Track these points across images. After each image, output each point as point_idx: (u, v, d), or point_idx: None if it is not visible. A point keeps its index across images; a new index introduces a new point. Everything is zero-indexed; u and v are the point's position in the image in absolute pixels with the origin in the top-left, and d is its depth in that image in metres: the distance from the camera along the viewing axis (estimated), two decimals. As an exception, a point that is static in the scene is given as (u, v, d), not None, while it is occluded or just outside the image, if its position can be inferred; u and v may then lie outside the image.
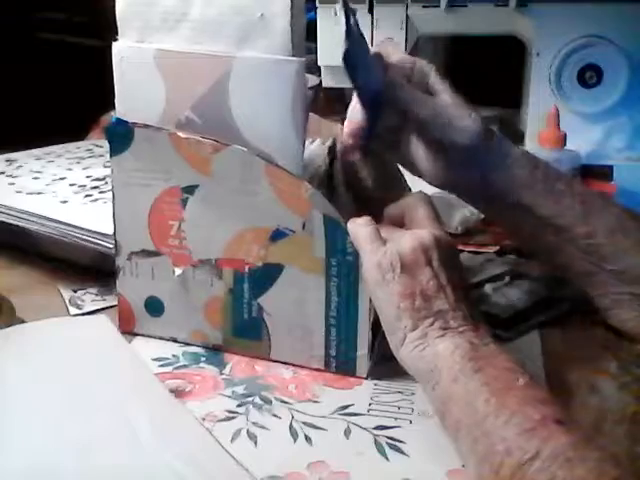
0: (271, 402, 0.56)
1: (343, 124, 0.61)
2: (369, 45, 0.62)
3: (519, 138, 1.03)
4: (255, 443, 0.52)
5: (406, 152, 0.62)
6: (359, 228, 0.55)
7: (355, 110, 0.59)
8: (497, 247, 0.82)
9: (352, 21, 0.55)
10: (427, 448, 0.49)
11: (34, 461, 0.48)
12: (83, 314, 0.70)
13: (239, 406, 0.56)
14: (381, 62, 0.60)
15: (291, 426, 0.53)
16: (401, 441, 0.52)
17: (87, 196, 0.80)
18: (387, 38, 0.96)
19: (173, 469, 0.47)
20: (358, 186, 0.66)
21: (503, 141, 0.61)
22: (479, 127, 0.59)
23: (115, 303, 0.67)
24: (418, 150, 0.61)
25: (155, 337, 0.65)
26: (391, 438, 0.52)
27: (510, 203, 0.61)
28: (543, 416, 0.43)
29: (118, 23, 0.60)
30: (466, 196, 0.65)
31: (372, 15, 0.96)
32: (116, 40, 0.61)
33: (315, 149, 0.68)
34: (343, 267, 0.57)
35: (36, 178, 0.87)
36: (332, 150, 0.66)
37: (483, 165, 0.60)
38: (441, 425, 0.48)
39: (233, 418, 0.54)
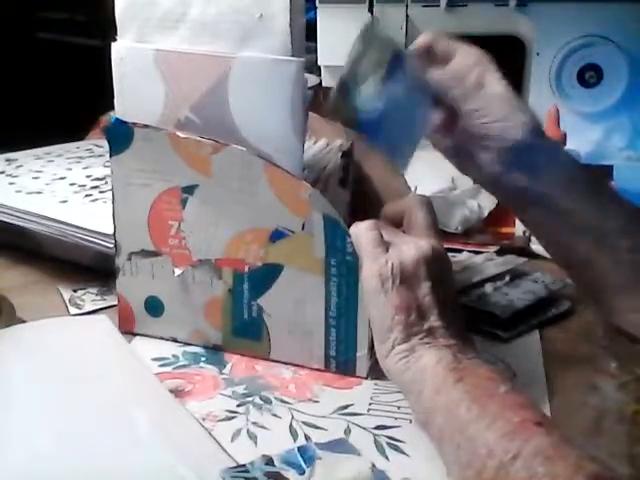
0: (271, 402, 0.56)
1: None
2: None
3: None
4: (255, 443, 0.52)
5: (451, 147, 0.61)
6: (362, 232, 0.54)
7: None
8: (497, 247, 0.82)
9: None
10: (427, 448, 0.49)
11: (34, 461, 0.48)
12: (83, 314, 0.70)
13: (239, 406, 0.56)
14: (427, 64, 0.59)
15: (291, 426, 0.53)
16: (401, 441, 0.52)
17: (87, 196, 0.80)
18: (387, 38, 0.96)
19: (173, 469, 0.47)
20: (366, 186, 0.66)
21: (550, 141, 0.59)
22: (530, 123, 0.57)
23: (115, 303, 0.67)
24: (464, 146, 0.60)
25: (155, 337, 0.65)
26: (391, 438, 0.52)
27: (551, 207, 0.58)
28: (523, 419, 0.43)
29: (117, 23, 0.60)
30: (507, 198, 0.62)
31: (372, 15, 0.96)
32: (115, 40, 0.61)
33: (321, 150, 0.68)
34: (343, 267, 0.57)
35: (36, 178, 0.87)
36: (346, 154, 0.66)
37: (530, 164, 0.58)
38: (426, 435, 0.49)
39: (233, 418, 0.54)
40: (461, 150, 0.60)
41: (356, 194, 0.71)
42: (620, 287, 0.58)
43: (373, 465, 0.48)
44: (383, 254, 0.53)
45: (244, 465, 0.47)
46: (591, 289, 0.61)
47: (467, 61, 0.59)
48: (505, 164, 0.58)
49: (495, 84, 0.58)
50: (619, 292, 0.59)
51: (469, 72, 0.58)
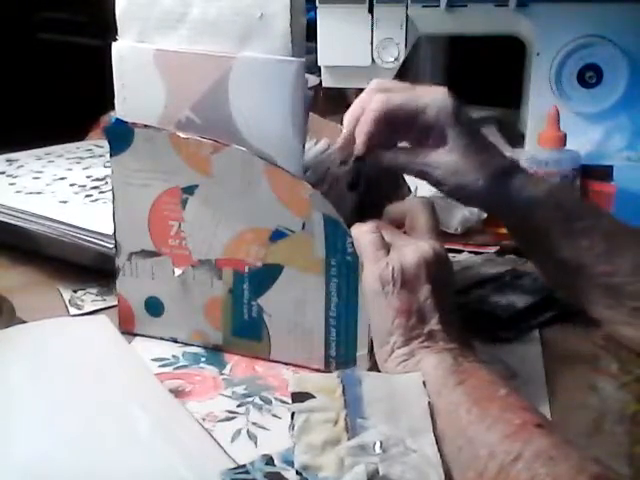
0: (271, 402, 0.56)
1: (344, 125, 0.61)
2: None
3: (519, 138, 1.03)
4: (255, 443, 0.52)
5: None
6: (363, 234, 0.54)
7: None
8: (497, 247, 0.82)
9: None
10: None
11: (34, 461, 0.48)
12: (83, 314, 0.70)
13: (239, 406, 0.56)
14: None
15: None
16: (401, 441, 0.52)
17: (87, 196, 0.80)
18: (387, 38, 0.96)
19: (173, 469, 0.47)
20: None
21: (526, 181, 0.60)
22: (487, 180, 0.58)
23: (115, 303, 0.67)
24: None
25: (155, 337, 0.65)
26: (391, 438, 0.52)
27: (529, 245, 0.62)
28: (524, 421, 0.43)
29: (118, 23, 0.60)
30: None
31: (372, 15, 0.96)
32: (116, 40, 0.61)
33: (323, 151, 0.68)
34: (343, 267, 0.57)
35: (36, 178, 0.87)
36: (360, 158, 0.66)
37: (499, 210, 0.61)
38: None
39: (233, 418, 0.54)
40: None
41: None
42: (603, 305, 0.60)
43: (372, 464, 0.48)
44: (384, 257, 0.53)
45: (244, 465, 0.47)
46: (579, 304, 0.62)
47: (430, 118, 0.58)
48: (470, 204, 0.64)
49: (454, 139, 0.58)
50: (603, 309, 0.60)
51: (430, 132, 0.58)
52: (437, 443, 0.45)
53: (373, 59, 0.97)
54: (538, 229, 0.59)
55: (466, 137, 0.58)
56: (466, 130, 0.58)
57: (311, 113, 0.61)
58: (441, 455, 0.45)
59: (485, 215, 0.87)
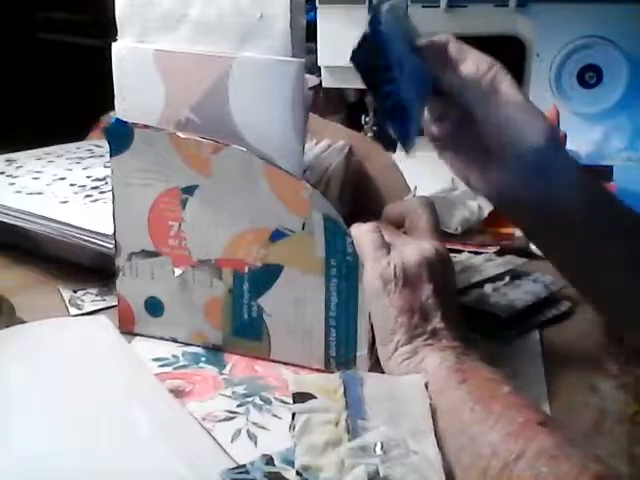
0: (271, 402, 0.56)
1: (343, 124, 0.61)
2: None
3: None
4: (255, 443, 0.52)
5: (456, 150, 0.58)
6: (363, 234, 0.54)
7: None
8: (497, 247, 0.82)
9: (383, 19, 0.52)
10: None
11: (34, 461, 0.48)
12: (83, 314, 0.70)
13: (239, 406, 0.56)
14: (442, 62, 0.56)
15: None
16: (401, 441, 0.52)
17: (87, 196, 0.80)
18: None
19: (173, 469, 0.47)
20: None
21: (568, 153, 0.56)
22: (549, 132, 0.53)
23: (115, 303, 0.67)
24: (471, 149, 0.57)
25: (155, 337, 0.65)
26: (391, 438, 0.52)
27: (574, 232, 0.54)
28: (526, 419, 0.43)
29: (117, 23, 0.60)
30: (519, 219, 0.58)
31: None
32: (116, 40, 0.61)
33: (323, 151, 0.68)
34: (343, 267, 0.57)
35: (36, 178, 0.87)
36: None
37: (547, 176, 0.53)
38: None
39: (233, 418, 0.54)
40: (468, 159, 0.57)
41: (357, 194, 0.71)
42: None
43: (373, 465, 0.48)
44: (385, 256, 0.53)
45: (244, 465, 0.47)
46: (623, 318, 0.58)
47: (481, 66, 0.55)
48: (520, 177, 0.54)
49: (510, 90, 0.54)
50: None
51: (483, 76, 0.55)
52: (439, 443, 0.45)
53: (373, 59, 0.97)
54: (587, 209, 0.54)
55: (520, 91, 0.55)
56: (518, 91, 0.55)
57: (311, 113, 0.61)
58: (443, 454, 0.45)
59: (485, 215, 0.87)
